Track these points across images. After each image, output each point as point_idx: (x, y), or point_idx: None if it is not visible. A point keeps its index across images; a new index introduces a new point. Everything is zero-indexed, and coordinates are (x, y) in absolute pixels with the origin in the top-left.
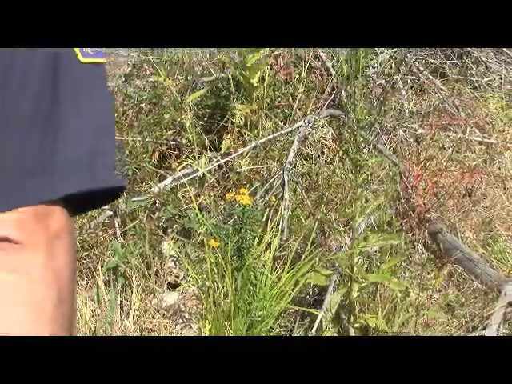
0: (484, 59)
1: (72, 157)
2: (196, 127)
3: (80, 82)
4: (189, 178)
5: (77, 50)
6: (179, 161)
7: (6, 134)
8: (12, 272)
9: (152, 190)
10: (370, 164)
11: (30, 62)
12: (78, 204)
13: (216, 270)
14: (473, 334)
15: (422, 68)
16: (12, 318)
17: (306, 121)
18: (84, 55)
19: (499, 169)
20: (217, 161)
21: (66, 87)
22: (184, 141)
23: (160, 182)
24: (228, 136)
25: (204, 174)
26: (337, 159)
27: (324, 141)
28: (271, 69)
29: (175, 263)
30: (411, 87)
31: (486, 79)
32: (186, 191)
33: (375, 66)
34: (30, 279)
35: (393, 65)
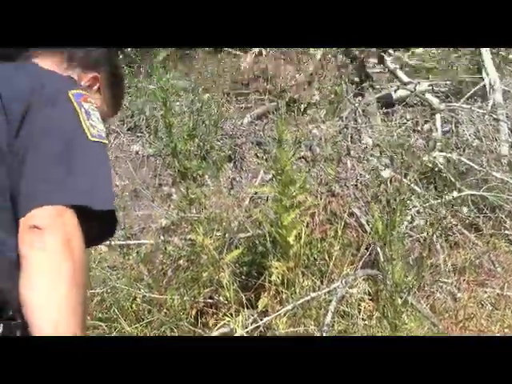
0: None
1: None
2: (233, 285)
3: (90, 151)
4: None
5: (87, 130)
6: (216, 318)
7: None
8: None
9: None
10: (408, 328)
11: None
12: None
13: None
14: None
15: (455, 222)
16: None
17: (343, 281)
18: (92, 135)
19: None
20: (254, 320)
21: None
22: (221, 298)
23: None
24: (265, 294)
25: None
26: (374, 319)
27: (361, 300)
28: (307, 226)
29: None
30: (445, 240)
31: None
32: None
33: (409, 221)
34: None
35: (427, 221)
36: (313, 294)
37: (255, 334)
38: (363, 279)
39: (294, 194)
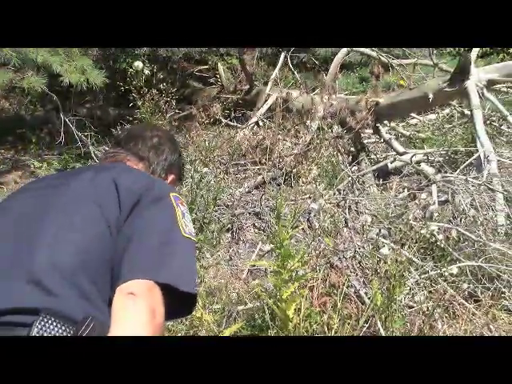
0: None
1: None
2: None
3: (182, 244)
4: None
5: (181, 227)
6: None
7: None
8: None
9: None
10: None
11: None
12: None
13: None
14: None
15: (454, 293)
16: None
17: None
18: (185, 232)
19: None
20: None
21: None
22: None
23: None
24: None
25: None
26: None
27: None
28: (306, 299)
29: None
30: (445, 311)
31: None
32: None
33: (408, 293)
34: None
35: (426, 292)
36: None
37: None
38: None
39: (293, 267)
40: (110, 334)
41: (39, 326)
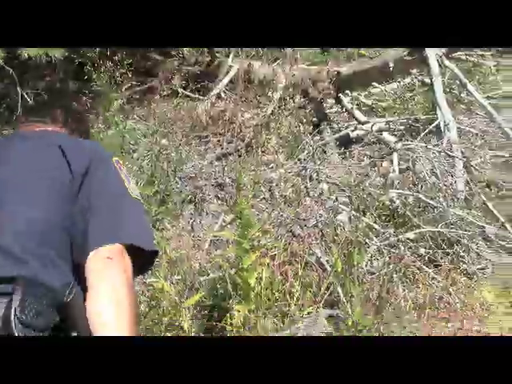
0: (474, 247)
1: None
2: (194, 328)
3: (136, 206)
4: None
5: (130, 191)
6: None
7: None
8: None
9: None
10: None
11: None
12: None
13: None
14: None
15: (414, 259)
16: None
17: (304, 322)
18: (134, 195)
19: None
20: None
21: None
22: None
23: None
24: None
25: None
26: None
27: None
28: (267, 268)
29: None
30: (405, 277)
31: (478, 267)
32: None
33: (367, 260)
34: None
35: (385, 258)
36: (274, 335)
37: None
38: (324, 319)
39: (254, 236)
40: (91, 295)
41: (18, 294)
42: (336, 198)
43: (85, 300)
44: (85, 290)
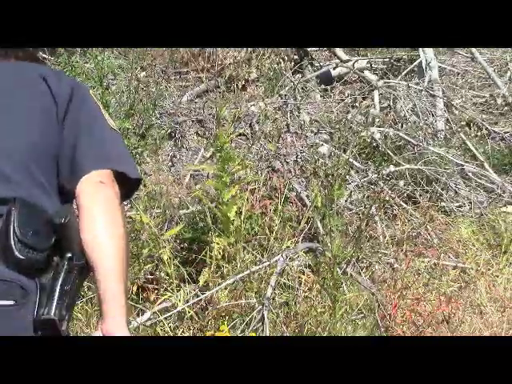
0: (453, 185)
1: None
2: (174, 260)
3: (117, 136)
4: (169, 314)
5: (109, 122)
6: (157, 294)
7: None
8: None
9: (131, 326)
10: (347, 298)
11: None
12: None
13: None
14: None
15: (393, 195)
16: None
17: (283, 255)
18: (111, 125)
19: (474, 292)
20: (195, 294)
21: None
22: (162, 274)
23: (138, 316)
24: (206, 269)
25: (183, 308)
26: (314, 291)
27: (301, 273)
28: (248, 202)
29: None
30: (384, 213)
31: (456, 204)
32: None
33: (348, 195)
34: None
35: (365, 195)
36: (253, 268)
37: (196, 309)
38: (303, 252)
39: (234, 170)
40: (85, 216)
41: (15, 213)
42: (318, 130)
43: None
44: (75, 213)
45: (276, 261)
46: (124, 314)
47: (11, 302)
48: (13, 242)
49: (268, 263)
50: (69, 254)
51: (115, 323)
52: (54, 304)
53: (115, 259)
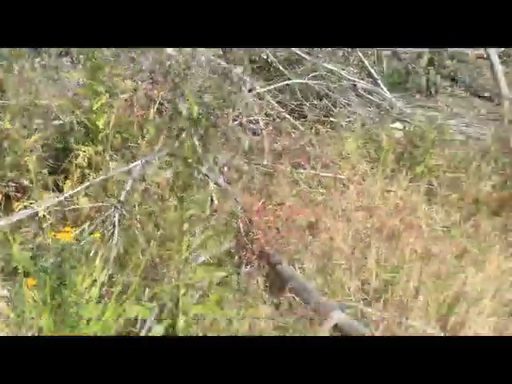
0: (344, 101)
1: None
2: (39, 169)
3: None
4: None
5: None
6: (22, 202)
7: None
8: None
9: None
10: (195, 200)
11: None
12: None
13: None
14: None
15: (282, 110)
16: None
17: (142, 161)
18: None
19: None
20: (58, 202)
21: None
22: (26, 182)
23: None
24: (71, 177)
25: (44, 215)
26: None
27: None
28: (119, 111)
29: None
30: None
31: (346, 120)
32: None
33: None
34: None
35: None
36: (108, 174)
37: (57, 216)
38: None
39: (105, 78)
40: None
41: None
42: None
43: None
44: None
45: (134, 166)
46: None
47: None
48: None
49: (125, 168)
50: None
51: None
52: None
53: None
